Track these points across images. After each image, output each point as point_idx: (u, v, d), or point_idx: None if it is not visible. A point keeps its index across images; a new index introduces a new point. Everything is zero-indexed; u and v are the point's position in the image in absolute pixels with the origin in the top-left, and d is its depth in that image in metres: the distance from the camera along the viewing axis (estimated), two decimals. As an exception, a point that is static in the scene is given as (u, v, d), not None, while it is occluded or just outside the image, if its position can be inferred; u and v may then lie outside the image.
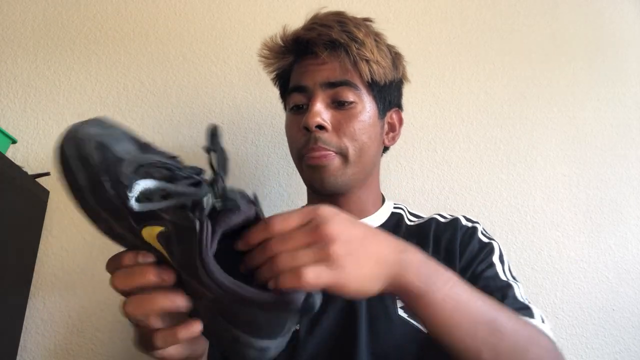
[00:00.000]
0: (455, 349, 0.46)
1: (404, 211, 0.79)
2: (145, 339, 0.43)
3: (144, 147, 0.47)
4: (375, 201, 0.77)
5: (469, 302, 0.46)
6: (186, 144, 1.00)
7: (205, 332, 0.43)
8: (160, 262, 0.42)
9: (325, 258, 0.40)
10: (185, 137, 1.01)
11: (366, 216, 0.75)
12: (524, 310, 0.59)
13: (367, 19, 0.75)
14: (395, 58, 0.76)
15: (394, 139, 0.79)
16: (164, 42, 1.07)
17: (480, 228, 0.72)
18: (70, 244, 0.93)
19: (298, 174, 0.76)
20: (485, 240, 0.70)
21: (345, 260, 0.40)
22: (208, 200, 0.39)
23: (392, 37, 0.77)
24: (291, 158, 0.76)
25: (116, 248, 0.45)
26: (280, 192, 1.01)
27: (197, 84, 1.05)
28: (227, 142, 1.00)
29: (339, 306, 0.64)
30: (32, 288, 0.88)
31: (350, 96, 0.70)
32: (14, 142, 0.86)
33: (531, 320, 0.57)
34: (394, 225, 0.75)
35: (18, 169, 0.82)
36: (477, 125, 1.07)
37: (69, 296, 0.90)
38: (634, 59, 1.15)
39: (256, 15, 1.10)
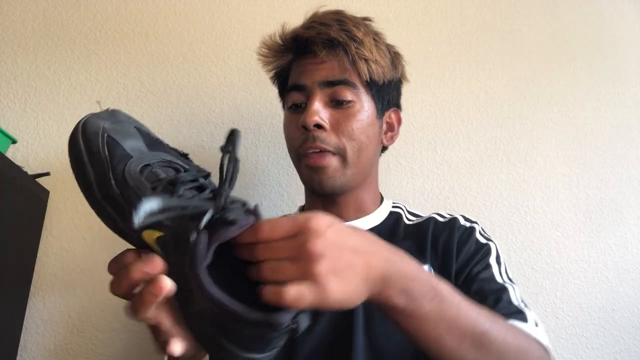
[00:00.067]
0: None
1: (403, 210, 0.79)
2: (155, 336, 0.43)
3: (155, 143, 0.47)
4: (374, 200, 0.77)
5: (455, 316, 0.46)
6: (186, 144, 1.00)
7: (195, 336, 0.43)
8: None
9: (307, 276, 0.39)
10: (185, 137, 1.01)
11: (364, 215, 0.75)
12: (517, 314, 0.58)
13: (366, 18, 0.75)
14: (395, 57, 0.76)
15: (392, 139, 0.79)
16: (164, 42, 1.07)
17: (478, 228, 0.72)
18: (70, 244, 0.93)
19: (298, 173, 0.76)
20: (482, 240, 0.70)
21: (328, 279, 0.39)
22: (208, 214, 0.39)
23: (392, 37, 0.77)
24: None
25: (116, 248, 0.45)
26: (280, 192, 1.01)
27: (197, 84, 1.05)
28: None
29: None
30: (32, 288, 0.88)
31: (348, 95, 0.69)
32: (14, 142, 0.86)
33: (524, 325, 0.56)
34: (393, 224, 0.75)
35: (18, 169, 0.82)
36: (477, 125, 1.07)
37: (69, 296, 0.90)
38: (634, 59, 1.15)
39: (256, 15, 1.10)
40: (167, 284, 0.39)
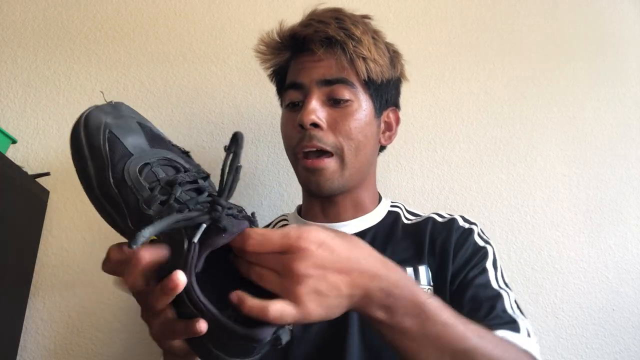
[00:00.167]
0: None
1: (401, 210, 0.78)
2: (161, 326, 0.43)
3: (156, 140, 0.47)
4: (372, 199, 0.77)
5: (439, 333, 0.45)
6: (186, 143, 1.00)
7: (186, 339, 0.44)
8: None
9: (289, 295, 0.40)
10: (185, 137, 1.01)
11: (363, 214, 0.74)
12: (510, 324, 0.57)
13: (365, 16, 0.74)
14: (394, 56, 0.75)
15: (390, 138, 0.78)
16: (164, 42, 1.07)
17: (477, 230, 0.71)
18: (70, 244, 0.93)
19: (298, 173, 0.76)
20: (480, 243, 0.69)
21: (309, 299, 0.41)
22: (202, 227, 0.39)
23: (392, 37, 0.77)
24: (290, 157, 0.76)
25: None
26: (280, 192, 1.01)
27: (197, 84, 1.05)
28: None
29: None
30: (32, 288, 0.88)
31: (346, 94, 0.69)
32: (14, 142, 0.86)
33: (515, 336, 0.56)
34: (391, 223, 0.75)
35: (18, 169, 0.82)
36: (477, 125, 1.07)
37: (69, 296, 0.90)
38: (634, 59, 1.15)
39: (256, 15, 1.10)
40: (182, 279, 0.39)
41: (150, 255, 0.40)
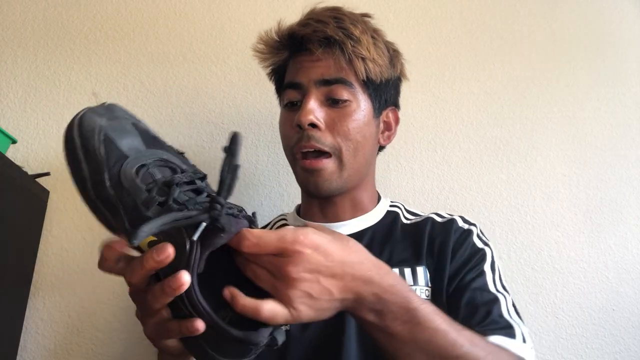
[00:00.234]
0: None
1: (401, 209, 0.78)
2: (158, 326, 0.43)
3: (152, 141, 0.47)
4: (371, 199, 0.77)
5: (429, 339, 0.46)
6: (186, 143, 1.00)
7: (181, 339, 0.44)
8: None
9: (281, 298, 0.41)
10: (185, 137, 1.01)
11: (361, 214, 0.74)
12: (506, 329, 0.57)
13: (365, 15, 0.74)
14: (393, 56, 0.75)
15: (389, 138, 0.78)
16: (164, 42, 1.07)
17: (476, 231, 0.70)
18: (70, 244, 0.93)
19: (298, 174, 0.76)
20: (479, 245, 0.68)
21: (301, 302, 0.42)
22: (202, 226, 0.39)
23: (392, 37, 0.77)
24: (290, 157, 0.76)
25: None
26: (280, 192, 1.01)
27: (197, 84, 1.05)
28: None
29: None
30: (32, 288, 0.88)
31: (344, 94, 0.68)
32: (14, 142, 0.86)
33: (510, 342, 0.55)
34: (390, 223, 0.74)
35: (18, 169, 0.82)
36: (477, 125, 1.07)
37: (69, 296, 0.90)
38: (634, 59, 1.15)
39: (256, 15, 1.10)
40: (187, 280, 0.39)
41: (160, 255, 0.40)
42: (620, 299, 0.97)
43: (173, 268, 0.39)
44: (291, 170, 0.75)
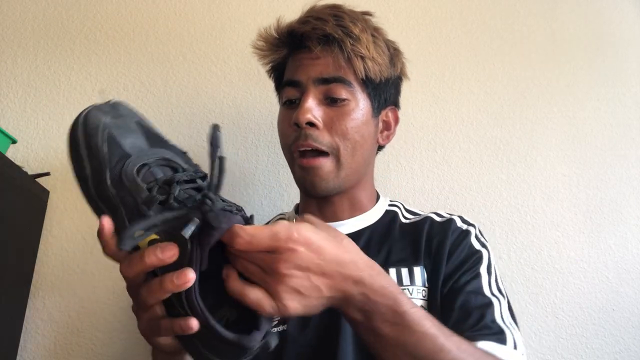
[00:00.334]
0: None
1: (400, 209, 0.77)
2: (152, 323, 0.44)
3: (155, 140, 0.47)
4: (370, 198, 0.76)
5: (415, 343, 0.46)
6: (186, 143, 1.00)
7: (177, 337, 0.44)
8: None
9: (270, 291, 0.42)
10: (185, 137, 1.01)
11: (360, 214, 0.74)
12: (497, 335, 0.56)
13: (366, 13, 0.73)
14: (394, 54, 0.74)
15: (388, 138, 0.77)
16: (164, 42, 1.07)
17: (474, 232, 0.70)
18: (70, 244, 0.93)
19: (299, 174, 0.75)
20: (476, 246, 0.67)
21: (289, 297, 0.42)
22: (192, 224, 0.39)
23: (392, 37, 0.77)
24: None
25: (116, 248, 0.45)
26: (280, 192, 1.01)
27: (197, 84, 1.05)
28: (227, 142, 1.00)
29: None
30: (32, 288, 0.88)
31: (343, 93, 0.68)
32: (14, 142, 0.86)
33: (500, 348, 0.55)
34: (388, 222, 0.74)
35: (18, 169, 0.82)
36: (477, 125, 1.07)
37: (69, 296, 0.90)
38: (634, 59, 1.15)
39: (256, 15, 1.10)
40: (192, 277, 0.39)
41: (164, 254, 0.40)
42: (620, 299, 0.97)
43: (172, 265, 0.39)
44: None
